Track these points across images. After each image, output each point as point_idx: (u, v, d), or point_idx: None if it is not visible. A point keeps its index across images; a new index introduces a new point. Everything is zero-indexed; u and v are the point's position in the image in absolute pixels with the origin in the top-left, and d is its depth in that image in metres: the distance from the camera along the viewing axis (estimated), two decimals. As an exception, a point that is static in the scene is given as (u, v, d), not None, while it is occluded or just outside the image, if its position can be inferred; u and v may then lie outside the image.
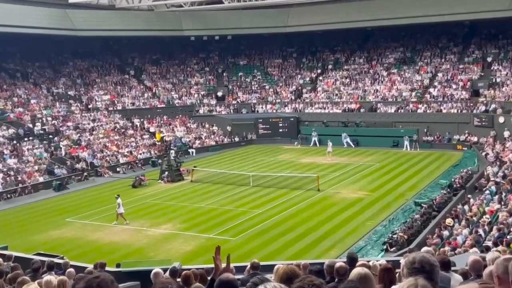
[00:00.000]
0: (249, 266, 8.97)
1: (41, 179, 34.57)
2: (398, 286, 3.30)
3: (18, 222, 26.72)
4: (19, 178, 33.76)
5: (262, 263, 9.12)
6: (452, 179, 29.05)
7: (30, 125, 41.08)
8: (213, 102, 54.49)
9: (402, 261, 6.78)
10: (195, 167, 36.51)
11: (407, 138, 42.52)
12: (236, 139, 49.55)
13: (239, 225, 24.05)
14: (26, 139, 39.09)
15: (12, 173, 34.07)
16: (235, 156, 43.63)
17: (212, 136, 49.31)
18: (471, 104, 43.99)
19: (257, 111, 52.91)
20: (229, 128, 50.14)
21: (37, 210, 29.23)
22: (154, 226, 24.66)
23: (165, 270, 9.09)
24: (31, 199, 31.65)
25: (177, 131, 48.37)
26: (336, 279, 5.93)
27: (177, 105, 52.86)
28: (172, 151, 40.20)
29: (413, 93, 47.98)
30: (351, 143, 45.02)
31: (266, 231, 22.91)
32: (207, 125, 50.76)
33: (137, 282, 10.84)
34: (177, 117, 51.03)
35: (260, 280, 3.29)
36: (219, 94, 55.28)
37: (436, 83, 48.41)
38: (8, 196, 31.59)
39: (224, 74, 58.81)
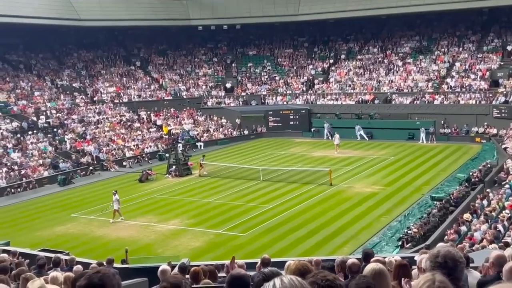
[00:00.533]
0: (259, 262, 8.99)
1: (45, 174, 33.98)
2: (415, 281, 3.05)
3: (22, 218, 26.43)
4: (23, 173, 32.96)
5: (273, 260, 9.09)
6: (470, 173, 28.30)
7: (34, 118, 40.27)
8: (222, 94, 53.58)
9: (417, 257, 6.86)
10: (203, 156, 35.75)
11: (423, 130, 41.46)
12: (246, 132, 48.63)
13: (249, 220, 23.55)
14: (30, 132, 38.37)
15: (16, 167, 33.44)
16: (245, 149, 42.89)
17: (221, 129, 48.36)
18: (490, 95, 42.84)
19: (267, 103, 51.99)
20: (238, 120, 49.18)
21: (41, 205, 28.88)
22: (161, 221, 24.31)
23: (173, 267, 9.23)
24: (36, 194, 31.32)
25: (184, 124, 47.45)
26: (348, 276, 5.82)
27: (184, 97, 52.05)
28: (180, 145, 39.56)
29: (430, 84, 46.80)
30: (365, 136, 43.97)
31: (277, 227, 22.39)
32: (215, 118, 49.84)
33: (145, 278, 11.01)
34: (184, 109, 50.21)
35: (271, 272, 3.19)
36: (228, 85, 54.36)
37: (453, 73, 47.19)
38: (12, 191, 31.15)
39: (233, 64, 57.81)
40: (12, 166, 33.34)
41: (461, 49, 49.67)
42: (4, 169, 32.77)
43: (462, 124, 42.25)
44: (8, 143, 36.10)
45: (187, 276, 7.93)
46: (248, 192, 28.75)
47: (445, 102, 44.39)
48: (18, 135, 37.49)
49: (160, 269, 8.52)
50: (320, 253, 18.25)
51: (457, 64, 47.98)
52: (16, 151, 35.57)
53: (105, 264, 11.66)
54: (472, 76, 45.78)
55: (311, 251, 18.75)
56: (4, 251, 12.14)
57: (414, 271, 6.14)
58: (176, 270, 8.95)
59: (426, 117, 43.36)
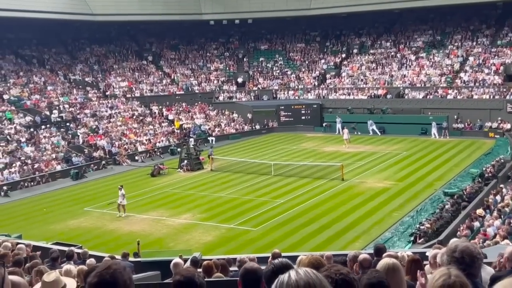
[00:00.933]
0: (270, 257, 9.02)
1: (58, 168, 34.16)
2: (431, 276, 2.97)
3: (35, 211, 26.51)
4: (36, 167, 33.21)
5: (284, 254, 9.06)
6: (484, 168, 27.92)
7: (47, 113, 40.54)
8: (233, 88, 53.51)
9: (429, 252, 6.75)
10: (212, 147, 35.63)
11: (435, 125, 41.02)
12: (257, 126, 48.51)
13: (260, 215, 23.43)
14: (43, 126, 38.64)
15: (29, 161, 33.63)
16: (256, 144, 42.76)
17: (232, 124, 48.32)
18: (504, 90, 42.36)
19: (279, 97, 51.84)
20: (249, 115, 49.09)
21: (54, 199, 28.99)
22: (173, 215, 24.29)
23: (185, 261, 9.25)
24: (49, 188, 31.49)
25: (196, 118, 47.48)
26: (360, 272, 5.76)
27: (196, 91, 52.04)
28: (191, 139, 39.55)
29: (443, 78, 46.36)
30: (377, 131, 43.66)
31: (288, 222, 22.26)
32: (227, 112, 49.80)
33: (157, 272, 11.08)
34: (196, 104, 50.25)
35: (281, 263, 3.13)
36: (239, 80, 54.24)
37: (467, 68, 46.73)
38: (26, 184, 31.29)
39: (245, 59, 57.68)
40: (26, 160, 33.57)
41: (474, 43, 49.13)
42: (18, 163, 32.99)
43: (475, 119, 41.78)
44: (21, 137, 36.38)
45: (199, 270, 7.93)
46: (259, 186, 28.64)
47: (458, 97, 43.93)
48: (31, 129, 37.77)
49: (173, 262, 8.58)
50: (331, 248, 18.13)
51: (471, 58, 47.46)
52: (29, 145, 35.83)
53: (120, 258, 11.70)
54: (486, 71, 45.27)
55: (323, 246, 18.63)
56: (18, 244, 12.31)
57: (427, 267, 6.10)
58: (188, 263, 8.98)
59: (439, 112, 42.94)
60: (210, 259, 9.04)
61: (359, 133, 43.71)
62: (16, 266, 7.72)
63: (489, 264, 6.68)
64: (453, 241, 3.64)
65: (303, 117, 48.34)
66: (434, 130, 41.02)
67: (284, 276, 1.66)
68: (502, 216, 18.24)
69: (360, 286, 3.35)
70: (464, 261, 3.14)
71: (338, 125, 45.13)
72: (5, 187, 30.09)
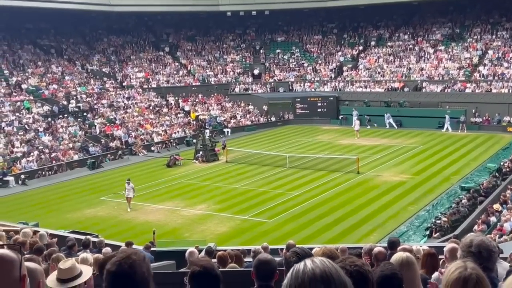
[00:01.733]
0: (285, 248, 9.08)
1: (75, 157, 34.50)
2: (447, 269, 2.90)
3: (52, 200, 26.77)
4: (53, 156, 33.58)
5: (298, 246, 8.65)
6: (501, 163, 27.65)
7: (65, 102, 40.90)
8: (249, 80, 53.44)
9: (446, 247, 6.63)
10: (224, 138, 35.79)
11: (448, 119, 40.56)
12: (273, 119, 48.45)
13: (275, 207, 23.46)
14: (60, 116, 38.96)
15: (46, 150, 33.95)
16: (272, 136, 42.73)
17: (248, 116, 48.32)
18: (524, 84, 41.70)
19: (295, 90, 51.66)
20: (265, 107, 49.03)
21: (71, 188, 29.26)
22: (188, 206, 24.40)
23: (199, 251, 9.29)
24: (66, 177, 31.75)
25: (212, 110, 47.54)
26: (375, 265, 5.75)
27: (212, 83, 52.09)
28: (207, 131, 39.62)
29: (461, 72, 45.77)
30: (394, 124, 43.38)
31: (303, 214, 22.27)
32: (242, 104, 49.80)
33: (173, 261, 11.19)
34: (212, 95, 50.26)
35: (303, 250, 3.16)
36: (256, 72, 54.17)
37: (486, 61, 46.13)
38: (43, 173, 31.61)
39: (261, 51, 57.54)
40: (43, 149, 33.95)
41: (494, 36, 48.39)
42: (36, 152, 33.37)
43: (493, 113, 41.25)
44: (39, 127, 36.81)
45: (214, 260, 7.99)
46: (274, 178, 28.63)
47: (476, 91, 43.39)
48: (49, 119, 38.15)
49: (188, 250, 8.69)
50: (346, 241, 18.08)
51: (490, 52, 46.78)
52: (47, 134, 36.23)
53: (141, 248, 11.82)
54: (505, 64, 44.63)
55: (337, 238, 18.59)
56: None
57: (442, 261, 6.06)
58: (203, 253, 9.10)
59: (457, 105, 42.48)
60: (225, 250, 9.11)
61: (375, 125, 43.47)
62: (36, 253, 7.81)
63: (505, 259, 6.65)
64: (468, 236, 3.60)
65: (319, 110, 48.15)
66: (447, 124, 40.64)
67: (299, 264, 1.67)
68: (519, 212, 18.13)
69: (374, 278, 3.37)
70: (481, 255, 3.10)
71: (355, 118, 44.92)
72: (23, 176, 30.47)
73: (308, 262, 1.65)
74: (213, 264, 3.29)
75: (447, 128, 40.63)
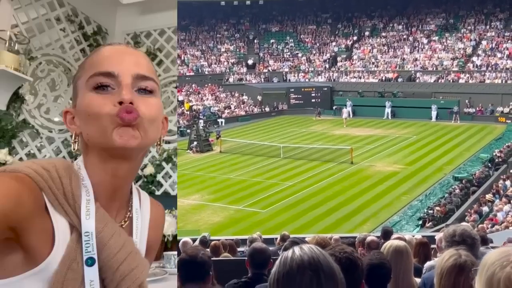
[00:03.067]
0: (279, 238, 9.30)
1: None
2: (440, 257, 3.00)
3: None
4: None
5: (292, 236, 9.13)
6: (494, 153, 27.91)
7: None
8: (243, 70, 53.28)
9: (438, 236, 6.87)
10: (218, 128, 35.76)
11: (435, 108, 40.60)
12: (267, 109, 48.41)
13: (269, 197, 23.45)
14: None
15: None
16: (265, 127, 42.69)
17: (242, 106, 48.24)
18: (517, 74, 41.88)
19: (289, 80, 51.61)
20: (259, 97, 48.96)
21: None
22: (182, 196, 24.10)
23: (193, 241, 9.36)
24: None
25: (206, 100, 47.45)
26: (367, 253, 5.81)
27: (206, 73, 51.92)
28: (201, 121, 39.56)
29: (455, 62, 45.90)
30: (389, 114, 43.28)
31: (297, 204, 22.31)
32: (236, 94, 49.69)
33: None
34: (206, 85, 50.10)
35: (300, 240, 3.32)
36: (250, 62, 54.05)
37: (479, 52, 46.27)
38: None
39: (255, 41, 57.38)
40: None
41: (488, 27, 48.48)
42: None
43: (487, 104, 41.36)
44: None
45: (207, 249, 8.04)
46: (268, 169, 28.60)
47: (470, 81, 43.55)
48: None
49: (181, 241, 8.69)
50: (339, 230, 18.18)
51: (484, 42, 46.90)
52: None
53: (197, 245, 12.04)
54: (499, 55, 44.77)
55: (331, 228, 18.67)
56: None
57: (433, 250, 6.13)
58: (197, 243, 9.18)
59: (450, 96, 42.62)
60: (219, 240, 9.13)
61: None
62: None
63: (495, 248, 6.71)
64: (450, 227, 3.65)
65: (313, 100, 48.11)
66: (434, 114, 40.77)
67: (288, 251, 1.68)
68: (511, 202, 18.36)
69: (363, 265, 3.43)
70: (466, 243, 3.17)
71: (349, 108, 44.98)
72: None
73: (297, 249, 1.67)
74: (199, 252, 3.33)
75: (434, 117, 40.76)
